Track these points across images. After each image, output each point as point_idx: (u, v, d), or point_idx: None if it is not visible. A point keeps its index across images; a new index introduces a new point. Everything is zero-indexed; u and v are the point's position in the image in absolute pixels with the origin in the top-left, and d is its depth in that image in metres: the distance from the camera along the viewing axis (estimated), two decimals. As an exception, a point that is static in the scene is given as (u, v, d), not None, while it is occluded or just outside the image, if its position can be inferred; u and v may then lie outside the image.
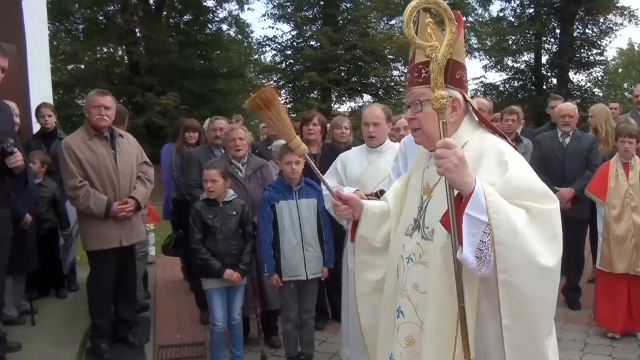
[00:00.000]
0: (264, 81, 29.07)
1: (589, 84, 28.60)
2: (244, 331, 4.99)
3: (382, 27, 28.06)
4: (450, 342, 2.12)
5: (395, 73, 27.99)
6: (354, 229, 2.71)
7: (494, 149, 2.20)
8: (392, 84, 28.08)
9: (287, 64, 28.25)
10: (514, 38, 28.21)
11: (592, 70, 28.16)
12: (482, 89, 28.67)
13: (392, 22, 27.87)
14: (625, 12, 26.88)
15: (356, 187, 4.34)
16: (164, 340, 5.54)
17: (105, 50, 25.27)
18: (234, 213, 4.67)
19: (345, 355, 4.68)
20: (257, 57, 29.92)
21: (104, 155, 4.83)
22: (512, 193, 2.02)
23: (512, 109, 6.97)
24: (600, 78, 28.88)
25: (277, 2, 27.62)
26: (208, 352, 5.07)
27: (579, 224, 6.15)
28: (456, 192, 2.02)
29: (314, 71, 24.89)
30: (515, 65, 28.81)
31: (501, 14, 28.79)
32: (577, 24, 27.34)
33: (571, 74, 27.92)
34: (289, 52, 28.20)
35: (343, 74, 27.14)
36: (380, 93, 27.89)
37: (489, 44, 29.21)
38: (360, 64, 26.67)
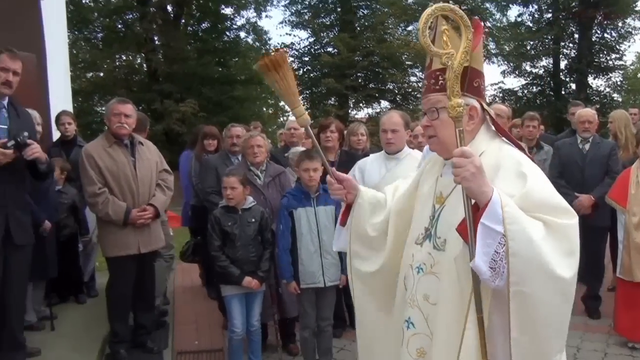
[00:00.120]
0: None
1: (607, 89, 28.37)
2: (262, 338, 4.99)
3: (399, 32, 27.94)
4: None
5: (413, 79, 27.89)
6: (345, 213, 2.68)
7: (511, 159, 2.16)
8: (410, 90, 27.94)
9: (304, 70, 28.21)
10: (532, 43, 28.00)
11: (610, 74, 27.93)
12: (500, 95, 28.52)
13: (410, 28, 27.73)
14: (644, 16, 26.62)
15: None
16: (182, 346, 5.55)
17: (124, 58, 25.52)
18: (253, 220, 4.67)
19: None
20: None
21: (123, 162, 4.87)
22: (531, 206, 1.98)
23: (532, 114, 6.95)
24: (619, 83, 28.62)
25: (294, 9, 27.77)
26: (226, 358, 5.08)
27: (599, 231, 6.08)
28: (473, 201, 1.99)
29: (331, 77, 24.83)
30: (534, 71, 28.67)
31: (519, 19, 28.67)
32: (595, 28, 27.13)
33: (590, 79, 27.73)
34: (306, 59, 28.22)
35: (360, 80, 27.12)
36: (397, 99, 27.82)
37: (507, 49, 28.98)
38: (377, 70, 26.66)
